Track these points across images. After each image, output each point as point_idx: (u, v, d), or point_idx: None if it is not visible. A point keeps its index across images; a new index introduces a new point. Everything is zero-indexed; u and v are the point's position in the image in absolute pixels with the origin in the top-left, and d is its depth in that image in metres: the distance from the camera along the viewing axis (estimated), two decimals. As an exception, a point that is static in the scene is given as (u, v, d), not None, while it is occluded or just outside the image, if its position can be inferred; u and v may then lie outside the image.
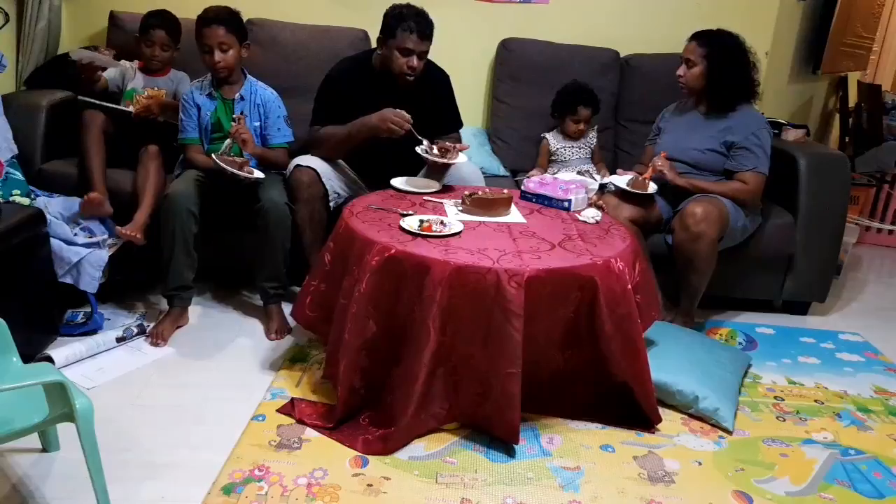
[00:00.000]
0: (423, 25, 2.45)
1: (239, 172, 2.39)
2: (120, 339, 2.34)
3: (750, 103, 2.67)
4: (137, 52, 2.85)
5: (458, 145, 2.49)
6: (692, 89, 2.66)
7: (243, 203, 2.47)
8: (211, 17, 2.50)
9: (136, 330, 2.39)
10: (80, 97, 2.70)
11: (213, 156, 2.42)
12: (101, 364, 2.23)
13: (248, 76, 2.66)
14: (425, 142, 2.43)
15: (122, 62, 2.88)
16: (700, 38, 2.62)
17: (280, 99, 2.70)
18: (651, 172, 2.58)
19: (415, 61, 2.47)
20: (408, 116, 2.37)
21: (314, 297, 2.13)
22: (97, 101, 2.71)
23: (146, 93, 2.84)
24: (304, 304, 2.16)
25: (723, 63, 2.58)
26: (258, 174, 2.46)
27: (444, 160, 2.43)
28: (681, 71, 2.65)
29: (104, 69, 2.78)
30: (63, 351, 2.20)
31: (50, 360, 2.14)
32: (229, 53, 2.51)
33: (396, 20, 2.45)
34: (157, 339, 2.36)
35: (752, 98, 2.67)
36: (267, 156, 2.62)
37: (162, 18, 2.79)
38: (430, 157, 2.43)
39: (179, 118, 2.62)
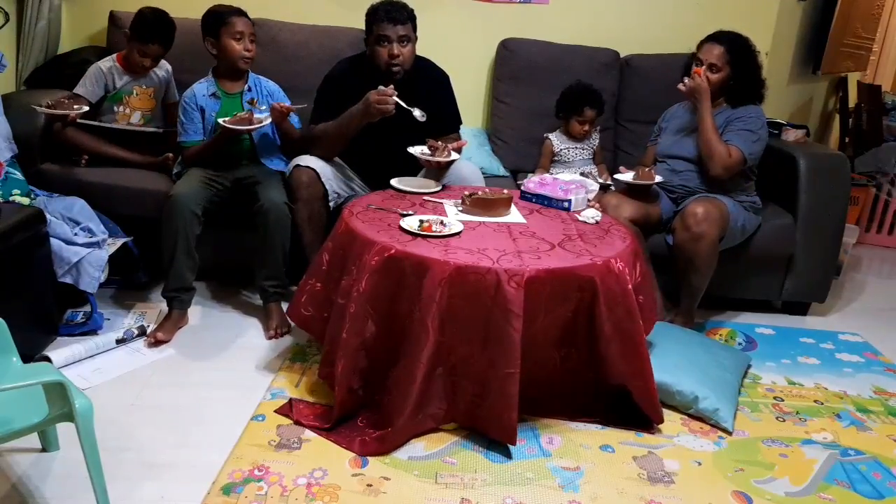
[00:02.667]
0: (393, 11, 2.44)
1: (251, 127, 2.48)
2: (120, 341, 2.33)
3: (756, 105, 2.67)
4: (125, 48, 2.80)
5: (451, 144, 2.48)
6: (711, 94, 2.61)
7: (243, 203, 2.48)
8: (239, 8, 2.59)
9: (136, 332, 2.39)
10: (79, 120, 2.65)
11: (220, 122, 2.48)
12: (99, 365, 2.23)
13: (250, 72, 2.70)
14: (425, 146, 2.43)
15: (100, 63, 2.80)
16: (723, 41, 2.58)
17: (282, 90, 2.76)
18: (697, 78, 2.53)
19: (395, 48, 2.45)
20: (391, 90, 2.34)
21: (310, 295, 2.13)
22: (95, 123, 2.74)
23: (135, 93, 2.83)
24: (299, 303, 2.15)
25: (744, 65, 2.58)
26: (265, 119, 2.53)
27: (436, 159, 2.42)
28: (701, 75, 2.59)
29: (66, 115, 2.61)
30: (62, 352, 2.19)
31: (48, 360, 2.14)
32: (254, 45, 2.59)
33: (370, 16, 2.48)
34: (157, 341, 2.35)
35: (761, 101, 2.67)
36: (289, 127, 2.66)
37: (162, 34, 2.73)
38: (422, 157, 2.43)
39: (179, 120, 2.62)
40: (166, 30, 2.76)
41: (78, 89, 2.76)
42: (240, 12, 2.58)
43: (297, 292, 2.18)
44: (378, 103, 2.33)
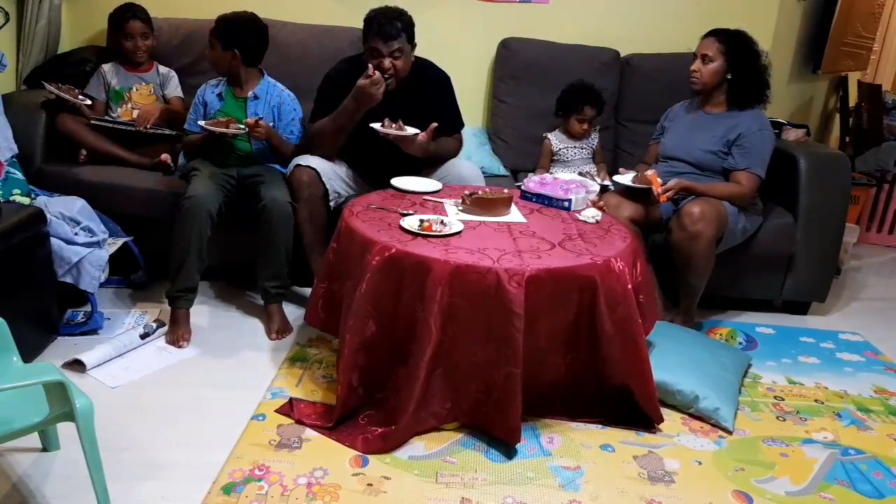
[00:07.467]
0: (385, 27, 2.40)
1: (227, 131, 2.49)
2: (143, 336, 2.34)
3: (759, 107, 2.67)
4: (118, 51, 2.89)
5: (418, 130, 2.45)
6: (705, 85, 2.63)
7: (247, 202, 2.47)
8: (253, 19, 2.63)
9: (155, 325, 2.39)
10: (92, 121, 2.75)
11: (200, 123, 2.52)
12: (128, 363, 2.23)
13: (266, 76, 2.70)
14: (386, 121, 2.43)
15: (101, 68, 2.90)
16: (719, 34, 2.60)
17: (296, 101, 2.72)
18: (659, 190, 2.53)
19: (386, 63, 2.43)
20: (377, 75, 2.34)
21: (324, 298, 2.14)
22: (106, 122, 2.77)
23: (135, 89, 2.87)
24: (316, 307, 2.16)
25: (741, 60, 2.58)
26: (242, 127, 2.52)
27: (393, 132, 2.40)
28: (695, 66, 2.62)
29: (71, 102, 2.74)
30: (93, 353, 2.19)
31: (81, 364, 2.15)
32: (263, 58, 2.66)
33: (366, 25, 2.46)
34: (181, 341, 2.36)
35: (763, 102, 2.67)
36: (279, 143, 2.63)
37: (132, 10, 2.85)
38: (380, 130, 2.41)
39: (188, 114, 2.69)
40: (137, 6, 2.86)
41: (88, 89, 2.87)
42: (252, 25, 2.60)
43: (312, 296, 2.20)
44: (369, 85, 2.32)
